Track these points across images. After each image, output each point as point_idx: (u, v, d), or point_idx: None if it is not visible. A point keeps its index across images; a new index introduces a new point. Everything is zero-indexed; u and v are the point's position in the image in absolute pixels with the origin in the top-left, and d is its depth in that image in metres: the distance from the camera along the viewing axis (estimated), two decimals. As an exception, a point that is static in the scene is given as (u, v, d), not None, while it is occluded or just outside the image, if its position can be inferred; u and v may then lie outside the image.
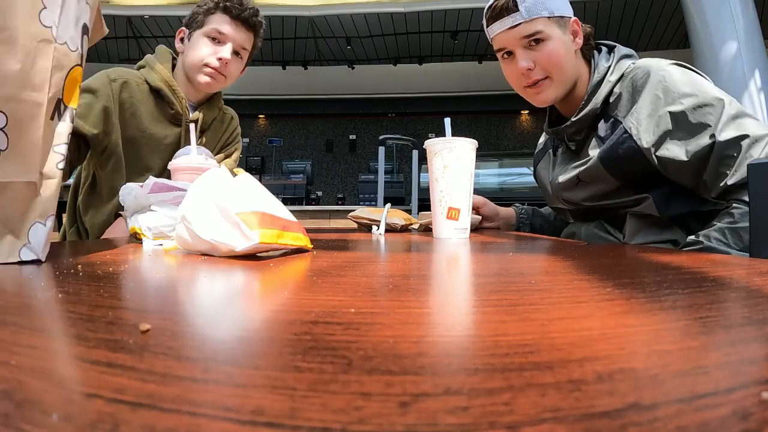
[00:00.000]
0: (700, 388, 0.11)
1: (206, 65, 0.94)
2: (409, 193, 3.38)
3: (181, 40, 0.98)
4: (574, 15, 0.79)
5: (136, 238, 0.55)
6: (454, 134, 0.71)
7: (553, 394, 0.10)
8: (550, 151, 0.93)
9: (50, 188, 0.35)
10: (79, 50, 0.36)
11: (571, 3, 0.80)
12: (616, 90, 0.77)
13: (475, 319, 0.19)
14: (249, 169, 5.38)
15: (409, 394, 0.10)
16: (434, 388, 0.10)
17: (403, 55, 5.27)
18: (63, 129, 0.36)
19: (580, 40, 0.79)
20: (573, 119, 0.80)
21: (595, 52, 0.82)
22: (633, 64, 0.77)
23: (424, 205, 2.01)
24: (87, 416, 0.09)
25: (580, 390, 0.10)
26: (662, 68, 0.72)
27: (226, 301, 0.21)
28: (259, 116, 5.85)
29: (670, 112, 0.69)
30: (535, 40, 0.75)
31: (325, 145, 5.78)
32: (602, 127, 0.78)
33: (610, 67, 0.78)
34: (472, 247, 0.55)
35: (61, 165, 0.35)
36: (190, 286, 0.26)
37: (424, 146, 0.73)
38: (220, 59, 0.93)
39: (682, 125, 0.69)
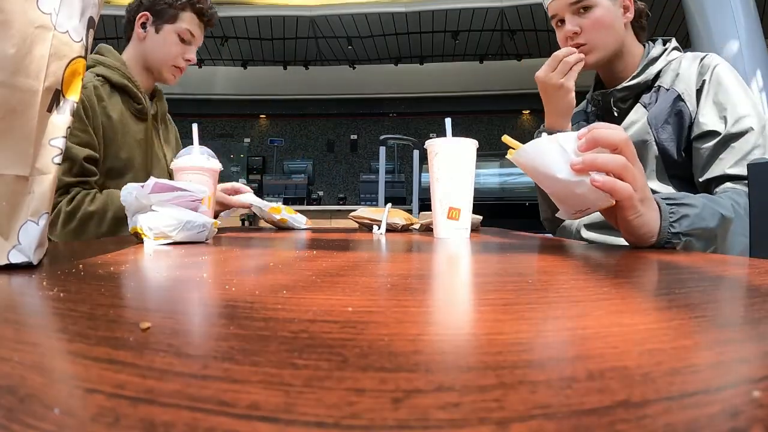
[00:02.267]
0: (691, 387, 0.11)
1: (174, 65, 0.94)
2: (410, 193, 3.39)
3: (143, 25, 0.95)
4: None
5: (137, 237, 0.55)
6: (454, 134, 0.72)
7: (544, 392, 0.10)
8: (583, 122, 0.95)
9: (44, 184, 0.32)
10: (83, 42, 0.34)
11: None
12: (670, 67, 0.82)
13: (471, 317, 0.19)
14: (250, 169, 5.39)
15: (401, 390, 0.10)
16: (427, 385, 0.11)
17: (405, 55, 5.27)
18: (61, 122, 0.33)
19: (630, 14, 0.83)
20: (626, 84, 0.84)
21: (651, 42, 0.87)
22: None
23: (425, 205, 2.02)
24: (88, 410, 0.09)
25: (571, 387, 0.10)
26: (721, 65, 0.78)
27: (226, 300, 0.22)
28: (260, 116, 5.85)
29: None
30: (584, 8, 0.80)
31: (326, 145, 5.78)
32: (646, 97, 0.83)
33: (666, 49, 0.84)
34: (472, 247, 0.56)
35: (57, 160, 0.33)
36: (190, 285, 0.27)
37: (425, 146, 0.73)
38: (188, 60, 0.95)
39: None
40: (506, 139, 0.59)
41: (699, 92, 0.78)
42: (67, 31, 0.33)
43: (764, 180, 0.64)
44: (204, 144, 0.79)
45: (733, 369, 0.12)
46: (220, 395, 0.10)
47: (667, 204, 0.51)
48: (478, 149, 0.72)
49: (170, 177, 1.02)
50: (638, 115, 0.83)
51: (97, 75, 0.91)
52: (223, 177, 0.91)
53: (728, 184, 0.71)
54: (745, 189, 0.68)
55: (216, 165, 0.77)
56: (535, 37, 4.69)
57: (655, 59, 0.83)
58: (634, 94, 0.85)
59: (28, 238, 0.31)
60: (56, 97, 0.33)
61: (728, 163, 0.72)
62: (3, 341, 0.14)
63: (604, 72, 0.89)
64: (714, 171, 0.74)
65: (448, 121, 0.75)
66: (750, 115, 0.73)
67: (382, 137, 2.77)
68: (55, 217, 0.83)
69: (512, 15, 4.40)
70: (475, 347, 0.14)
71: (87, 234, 0.84)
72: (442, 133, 0.75)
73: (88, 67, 0.94)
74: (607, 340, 0.14)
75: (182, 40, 0.94)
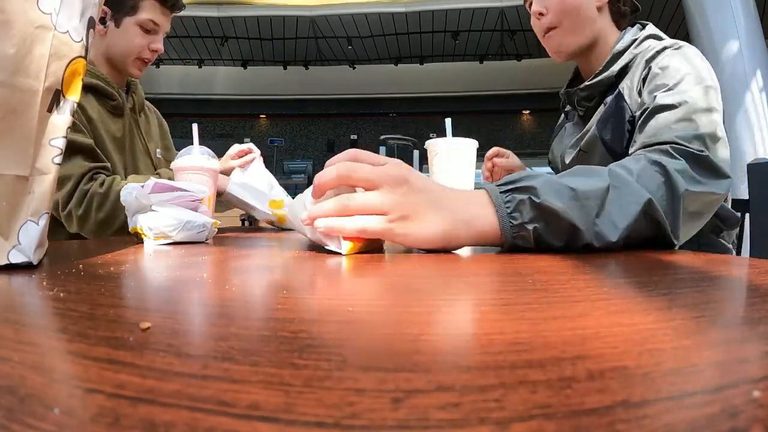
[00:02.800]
0: (691, 387, 0.11)
1: (139, 58, 0.92)
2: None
3: (102, 21, 0.92)
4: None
5: (137, 237, 0.55)
6: (454, 134, 0.72)
7: (544, 392, 0.10)
8: (566, 125, 0.91)
9: (44, 184, 0.32)
10: (83, 42, 0.34)
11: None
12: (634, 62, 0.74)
13: (471, 317, 0.19)
14: (250, 169, 5.38)
15: (401, 390, 0.10)
16: (427, 385, 0.11)
17: (405, 55, 5.27)
18: (61, 122, 0.33)
19: None
20: (587, 83, 0.77)
21: (629, 27, 0.79)
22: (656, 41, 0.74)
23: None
24: (88, 410, 0.09)
25: (571, 388, 0.10)
26: (673, 49, 0.69)
27: (225, 300, 0.22)
28: (261, 116, 5.85)
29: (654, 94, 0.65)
30: None
31: (326, 145, 5.78)
32: (610, 96, 0.74)
33: (636, 39, 0.75)
34: (472, 247, 0.55)
35: (58, 160, 0.33)
36: (189, 285, 0.27)
37: (425, 146, 0.73)
38: (154, 51, 0.93)
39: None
40: None
41: (643, 81, 0.68)
42: (68, 31, 0.33)
43: (764, 180, 0.64)
44: (204, 144, 0.79)
45: (733, 369, 0.12)
46: (220, 395, 0.10)
47: (501, 192, 0.43)
48: (478, 149, 0.72)
49: (155, 169, 1.01)
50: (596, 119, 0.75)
51: None
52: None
53: (639, 151, 0.57)
54: (656, 156, 0.51)
55: (216, 165, 0.77)
56: (535, 37, 4.68)
57: (621, 53, 0.74)
58: (598, 92, 0.76)
59: (28, 238, 0.31)
60: (56, 97, 0.33)
61: (646, 134, 0.60)
62: (3, 341, 0.14)
63: (582, 64, 0.82)
64: (633, 146, 0.62)
65: (448, 121, 0.75)
66: (687, 90, 0.61)
67: (382, 137, 2.77)
68: (88, 204, 0.81)
69: (512, 15, 4.40)
70: (475, 347, 0.14)
71: (118, 219, 0.81)
72: (442, 133, 0.75)
73: None
74: (607, 340, 0.14)
75: (146, 31, 0.91)
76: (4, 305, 0.20)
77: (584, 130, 0.79)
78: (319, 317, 0.18)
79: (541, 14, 0.77)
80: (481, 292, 0.25)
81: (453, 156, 0.70)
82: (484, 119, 5.39)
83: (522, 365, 0.12)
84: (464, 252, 0.49)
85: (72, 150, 0.81)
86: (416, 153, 2.67)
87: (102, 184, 0.82)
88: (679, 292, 0.24)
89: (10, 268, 0.30)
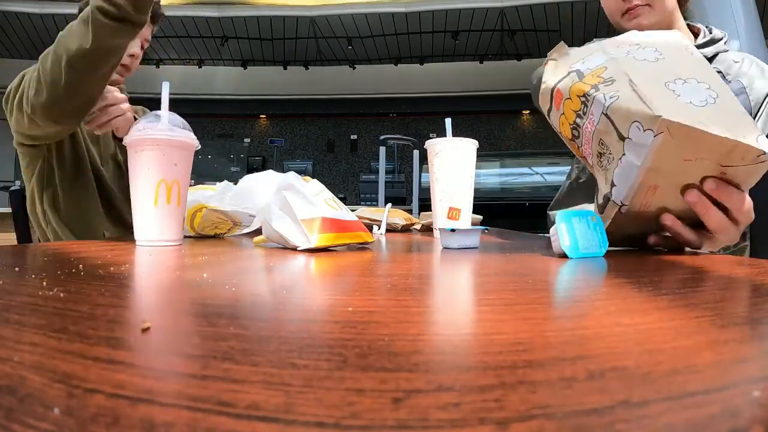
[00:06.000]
0: (691, 387, 0.11)
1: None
2: (410, 193, 3.38)
3: None
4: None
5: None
6: (455, 134, 0.72)
7: (544, 392, 0.10)
8: None
9: None
10: None
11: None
12: (727, 56, 0.81)
13: (471, 317, 0.19)
14: (250, 169, 5.39)
15: (402, 390, 0.10)
16: (427, 385, 0.11)
17: (405, 55, 5.27)
18: None
19: None
20: None
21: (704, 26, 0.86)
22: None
23: (425, 205, 2.01)
24: (87, 410, 0.09)
25: (571, 387, 0.10)
26: None
27: (225, 300, 0.22)
28: (261, 116, 5.85)
29: None
30: None
31: (326, 145, 5.78)
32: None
33: (723, 38, 0.83)
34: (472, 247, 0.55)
35: None
36: (189, 285, 0.27)
37: (425, 146, 0.73)
38: (132, 56, 0.93)
39: None
40: None
41: None
42: None
43: (764, 180, 0.64)
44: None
45: (733, 369, 0.12)
46: (220, 395, 0.10)
47: None
48: (478, 149, 0.72)
49: (125, 171, 0.97)
50: None
51: None
52: (222, 177, 0.89)
53: None
54: None
55: (184, 136, 0.55)
56: (535, 37, 4.68)
57: (715, 41, 0.82)
58: None
59: None
60: None
61: None
62: (3, 341, 0.14)
63: None
64: None
65: (448, 121, 0.75)
66: None
67: (382, 137, 2.77)
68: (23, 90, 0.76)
69: (512, 15, 4.40)
70: (475, 347, 0.14)
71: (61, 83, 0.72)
72: (442, 133, 0.75)
73: None
74: (608, 340, 0.14)
75: None
76: (4, 305, 0.20)
77: None
78: (319, 317, 0.18)
79: None
80: (481, 292, 0.25)
81: (453, 156, 0.70)
82: (484, 119, 5.40)
83: (522, 365, 0.12)
84: (464, 252, 0.49)
85: None
86: (416, 153, 2.67)
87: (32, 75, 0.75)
88: (679, 292, 0.24)
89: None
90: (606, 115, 0.45)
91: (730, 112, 0.42)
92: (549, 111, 0.59)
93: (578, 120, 0.52)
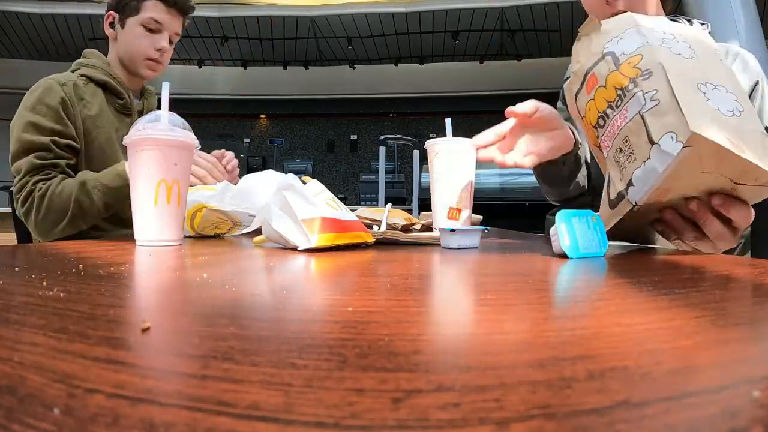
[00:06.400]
0: (691, 387, 0.11)
1: (147, 57, 0.93)
2: (410, 193, 3.39)
3: (111, 24, 0.95)
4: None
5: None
6: (455, 134, 0.72)
7: (544, 392, 0.10)
8: None
9: None
10: None
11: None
12: None
13: (471, 317, 0.19)
14: (250, 169, 5.38)
15: (401, 390, 0.10)
16: (427, 385, 0.11)
17: (405, 55, 5.27)
18: None
19: None
20: None
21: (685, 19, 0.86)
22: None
23: (425, 205, 2.02)
24: (87, 410, 0.09)
25: (571, 388, 0.10)
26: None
27: (225, 300, 0.22)
28: (261, 116, 5.85)
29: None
30: None
31: (326, 145, 5.78)
32: None
33: (706, 30, 0.81)
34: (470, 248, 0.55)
35: None
36: (189, 285, 0.27)
37: (425, 146, 0.73)
38: (159, 50, 0.93)
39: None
40: None
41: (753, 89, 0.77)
42: None
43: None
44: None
45: (733, 369, 0.12)
46: (220, 395, 0.10)
47: None
48: (478, 149, 0.72)
49: None
50: None
51: (81, 75, 0.93)
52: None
53: None
54: None
55: (184, 136, 0.55)
56: (535, 37, 4.68)
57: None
58: None
59: None
60: None
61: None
62: (3, 341, 0.14)
63: None
64: None
65: (448, 121, 0.75)
66: None
67: (382, 137, 2.77)
68: (29, 205, 0.84)
69: (512, 15, 4.40)
70: (475, 347, 0.14)
71: (57, 220, 0.83)
72: (442, 133, 0.75)
73: (73, 71, 0.95)
74: (607, 340, 0.14)
75: (150, 31, 0.93)
76: (4, 305, 0.20)
77: None
78: (319, 317, 0.18)
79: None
80: (482, 292, 0.25)
81: (453, 156, 0.70)
82: (484, 119, 5.39)
83: (522, 365, 0.12)
84: (464, 252, 0.49)
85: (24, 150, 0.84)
86: (416, 153, 2.67)
87: (43, 187, 0.84)
88: (679, 292, 0.24)
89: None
90: (642, 116, 0.45)
91: (753, 131, 0.42)
92: (577, 93, 0.57)
93: (609, 111, 0.51)
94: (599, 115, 0.53)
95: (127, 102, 0.96)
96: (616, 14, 0.79)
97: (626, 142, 0.48)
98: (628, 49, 0.50)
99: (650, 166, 0.44)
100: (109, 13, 0.96)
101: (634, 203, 0.46)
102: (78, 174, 0.86)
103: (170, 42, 0.97)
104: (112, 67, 0.96)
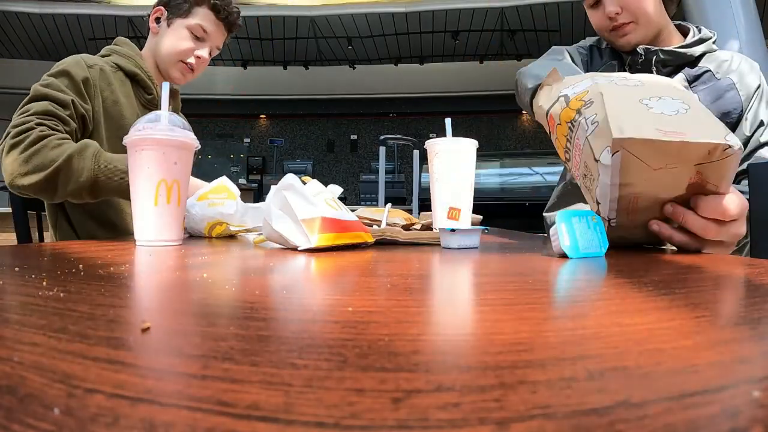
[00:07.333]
0: (691, 387, 0.11)
1: (182, 61, 0.93)
2: (410, 193, 3.39)
3: (157, 20, 0.95)
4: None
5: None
6: (454, 134, 0.72)
7: (544, 392, 0.10)
8: (612, 61, 0.93)
9: None
10: None
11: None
12: (716, 56, 0.85)
13: (471, 317, 0.19)
14: (250, 170, 5.39)
15: (401, 390, 0.10)
16: (427, 385, 0.11)
17: (405, 55, 5.27)
18: None
19: None
20: (673, 48, 0.83)
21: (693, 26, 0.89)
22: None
23: (425, 204, 2.02)
24: (87, 410, 0.09)
25: (571, 388, 0.10)
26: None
27: (225, 300, 0.22)
28: (261, 116, 5.85)
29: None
30: None
31: (326, 145, 5.78)
32: (689, 71, 0.84)
33: (713, 37, 0.86)
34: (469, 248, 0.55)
35: None
36: (189, 285, 0.27)
37: (425, 146, 0.73)
38: (198, 58, 0.93)
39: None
40: None
41: (755, 91, 0.80)
42: None
43: (764, 180, 0.64)
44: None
45: (733, 369, 0.12)
46: (220, 395, 0.10)
47: None
48: (478, 149, 0.72)
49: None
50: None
51: (112, 63, 0.92)
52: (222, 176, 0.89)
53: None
54: None
55: (184, 136, 0.54)
56: (535, 37, 4.68)
57: (703, 40, 0.84)
58: (676, 65, 0.85)
59: None
60: None
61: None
62: (3, 341, 0.14)
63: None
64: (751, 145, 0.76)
65: (448, 121, 0.75)
66: None
67: (382, 137, 2.77)
68: (21, 139, 0.72)
69: (512, 15, 4.40)
70: (475, 347, 0.14)
71: (38, 171, 0.71)
72: (442, 133, 0.75)
73: (103, 56, 0.93)
74: (607, 340, 0.14)
75: (195, 37, 0.93)
76: (4, 305, 0.20)
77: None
78: (319, 317, 0.18)
79: (617, 13, 0.82)
80: (482, 292, 0.25)
81: (453, 156, 0.70)
82: (484, 119, 5.39)
83: (522, 365, 0.12)
84: (464, 252, 0.49)
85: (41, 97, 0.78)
86: (416, 153, 2.67)
87: (46, 131, 0.74)
88: (679, 292, 0.24)
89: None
90: (588, 140, 0.48)
91: (702, 119, 0.45)
92: (549, 134, 0.63)
93: (568, 144, 0.55)
94: (564, 149, 0.57)
95: (154, 98, 0.95)
96: (620, 26, 0.81)
97: (586, 166, 0.51)
98: (578, 89, 0.55)
99: (602, 181, 0.46)
100: (157, 7, 0.95)
101: (608, 220, 0.49)
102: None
103: (209, 54, 0.97)
104: (143, 59, 0.95)
